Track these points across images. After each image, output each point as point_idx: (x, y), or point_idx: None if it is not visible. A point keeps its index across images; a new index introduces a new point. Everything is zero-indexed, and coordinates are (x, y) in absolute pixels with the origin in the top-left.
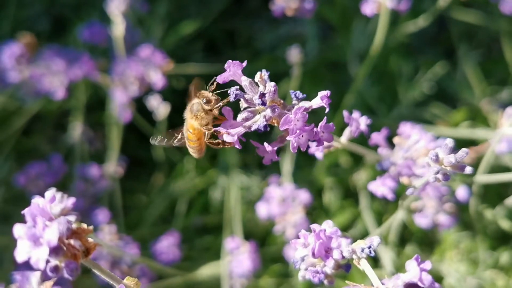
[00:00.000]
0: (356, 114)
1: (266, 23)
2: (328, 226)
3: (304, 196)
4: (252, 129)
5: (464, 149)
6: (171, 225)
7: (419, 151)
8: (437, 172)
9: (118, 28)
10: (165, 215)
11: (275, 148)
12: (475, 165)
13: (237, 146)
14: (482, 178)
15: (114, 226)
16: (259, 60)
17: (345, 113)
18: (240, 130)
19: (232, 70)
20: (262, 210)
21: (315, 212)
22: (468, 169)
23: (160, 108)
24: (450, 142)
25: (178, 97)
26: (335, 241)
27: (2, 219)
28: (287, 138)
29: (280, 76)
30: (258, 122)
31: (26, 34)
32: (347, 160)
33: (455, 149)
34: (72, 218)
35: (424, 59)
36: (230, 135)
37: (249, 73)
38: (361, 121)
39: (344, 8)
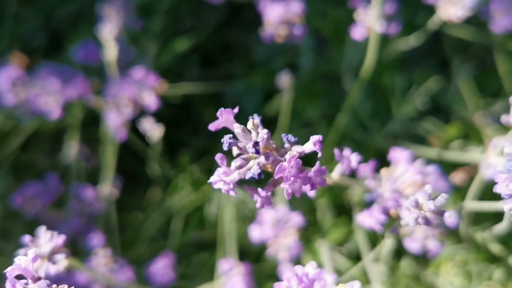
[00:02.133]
0: (347, 152)
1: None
2: (311, 268)
3: (297, 219)
4: (247, 177)
5: (443, 195)
6: (168, 242)
7: (406, 183)
8: (417, 217)
9: (111, 52)
10: (162, 230)
11: (269, 194)
12: (467, 186)
13: (232, 194)
14: (471, 205)
15: (109, 249)
16: (254, 73)
17: (335, 151)
18: (235, 177)
19: (225, 117)
20: (255, 233)
21: (310, 229)
22: (447, 215)
23: (153, 130)
24: (429, 189)
25: (174, 111)
26: (317, 284)
27: (0, 235)
28: (282, 185)
29: (276, 90)
30: (252, 170)
31: (17, 53)
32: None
33: (443, 174)
34: (62, 256)
35: (418, 73)
36: (226, 183)
37: (246, 88)
38: (352, 159)
39: (337, 21)
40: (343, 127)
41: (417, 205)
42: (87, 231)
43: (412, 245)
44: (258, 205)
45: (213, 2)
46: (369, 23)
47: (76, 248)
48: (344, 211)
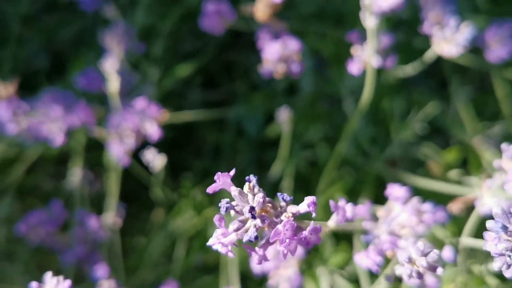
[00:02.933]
0: (342, 202)
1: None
2: None
3: (297, 250)
4: (244, 240)
5: (435, 251)
6: (171, 266)
7: (402, 224)
8: (411, 272)
9: (113, 85)
10: (166, 254)
11: (266, 252)
12: (466, 215)
13: (230, 255)
14: (468, 241)
15: (113, 279)
16: (255, 95)
17: (331, 203)
18: (233, 238)
19: (222, 180)
20: (256, 266)
21: (311, 254)
22: (440, 271)
23: (156, 161)
24: (421, 245)
25: (176, 132)
26: None
27: (5, 258)
28: (278, 248)
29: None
30: (249, 233)
31: (7, 84)
32: None
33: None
34: None
35: (417, 96)
36: (224, 245)
37: (247, 109)
38: (348, 209)
39: (337, 42)
40: (343, 153)
41: (410, 261)
42: (91, 257)
43: (412, 279)
44: (256, 262)
45: (213, 32)
46: (366, 58)
47: (81, 274)
48: (344, 236)
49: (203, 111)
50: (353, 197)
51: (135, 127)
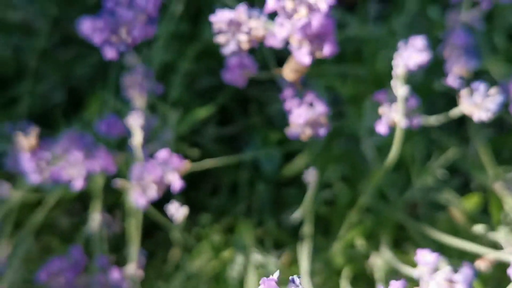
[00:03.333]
0: None
1: (277, 91)
2: None
3: None
4: None
5: None
6: None
7: None
8: None
9: (137, 138)
10: None
11: None
12: (493, 272)
13: None
14: None
15: None
16: (272, 132)
17: None
18: None
19: (267, 284)
20: None
21: None
22: None
23: (178, 214)
24: None
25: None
26: None
27: None
28: None
29: (294, 153)
30: None
31: (27, 136)
32: (363, 244)
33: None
34: None
35: (437, 137)
36: None
37: (262, 141)
38: None
39: (355, 82)
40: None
41: None
42: None
43: None
44: None
45: (236, 84)
46: (393, 118)
47: None
48: (365, 278)
49: (223, 158)
50: (371, 240)
51: (158, 178)
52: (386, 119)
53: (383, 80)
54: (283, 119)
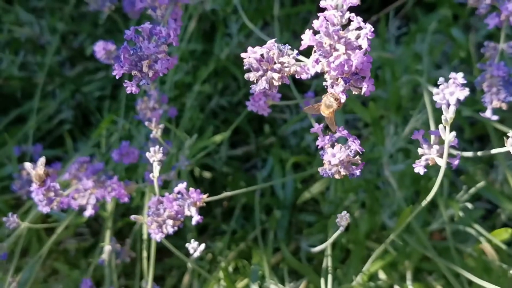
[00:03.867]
0: None
1: (290, 113)
2: None
3: None
4: None
5: None
6: None
7: None
8: None
9: (155, 173)
10: None
11: None
12: None
13: None
14: None
15: None
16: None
17: None
18: None
19: None
20: None
21: None
22: None
23: (196, 251)
24: None
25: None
26: None
27: None
28: None
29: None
30: None
31: (37, 169)
32: (386, 279)
33: None
34: None
35: (464, 164)
36: None
37: (277, 164)
38: None
39: (377, 108)
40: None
41: None
42: None
43: None
44: None
45: (261, 113)
46: (433, 157)
47: None
48: None
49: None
50: (394, 271)
51: (174, 211)
52: (426, 159)
53: (405, 104)
54: (296, 139)
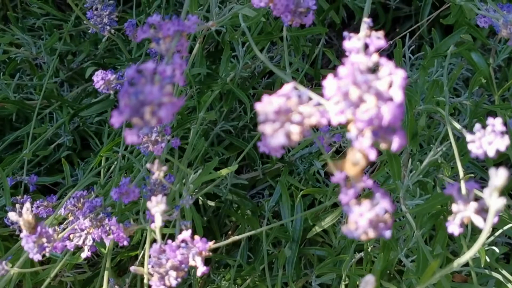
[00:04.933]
0: None
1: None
2: None
3: None
4: None
5: None
6: None
7: None
8: None
9: (157, 223)
10: None
11: None
12: None
13: None
14: None
15: None
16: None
17: None
18: None
19: None
20: None
21: None
22: None
23: None
24: None
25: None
26: None
27: None
28: None
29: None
30: None
31: (24, 216)
32: None
33: None
34: None
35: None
36: None
37: (285, 193)
38: None
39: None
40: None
41: None
42: None
43: None
44: None
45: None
46: (468, 215)
47: None
48: None
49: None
50: None
51: (177, 262)
52: (461, 217)
53: (421, 132)
54: (304, 164)
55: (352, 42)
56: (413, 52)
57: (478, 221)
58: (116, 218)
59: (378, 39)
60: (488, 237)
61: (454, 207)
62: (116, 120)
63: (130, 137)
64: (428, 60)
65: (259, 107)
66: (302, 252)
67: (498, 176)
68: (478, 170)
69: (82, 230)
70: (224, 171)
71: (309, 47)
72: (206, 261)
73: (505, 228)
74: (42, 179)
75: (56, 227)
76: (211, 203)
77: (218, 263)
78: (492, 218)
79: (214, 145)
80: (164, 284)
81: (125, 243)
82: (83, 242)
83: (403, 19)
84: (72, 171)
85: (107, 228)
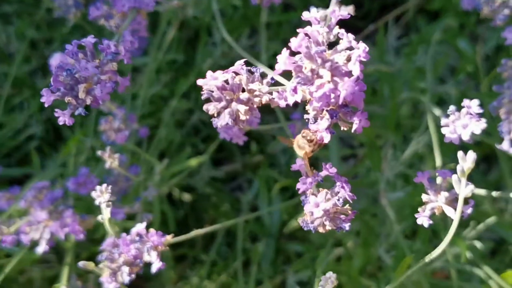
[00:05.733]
0: None
1: (278, 132)
2: None
3: None
4: None
5: None
6: None
7: None
8: None
9: (105, 214)
10: None
11: None
12: None
13: None
14: None
15: None
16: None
17: None
18: None
19: None
20: None
21: None
22: None
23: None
24: None
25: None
26: None
27: None
28: None
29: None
30: None
31: None
32: None
33: None
34: None
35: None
36: None
37: (264, 187)
38: None
39: (374, 127)
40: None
41: None
42: None
43: None
44: None
45: (235, 142)
46: (441, 206)
47: None
48: None
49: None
50: None
51: (131, 257)
52: (431, 208)
53: (404, 123)
54: (286, 157)
55: (311, 13)
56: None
57: (449, 211)
58: (72, 209)
59: (341, 11)
60: (470, 232)
61: (425, 197)
62: (46, 99)
63: (63, 118)
64: (412, 46)
65: (201, 82)
66: (281, 248)
67: (466, 160)
68: None
69: (39, 222)
70: (193, 162)
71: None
72: (182, 257)
73: (487, 221)
74: (9, 170)
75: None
76: (187, 197)
77: (195, 259)
78: (461, 206)
79: (191, 136)
80: (116, 281)
81: (81, 236)
82: (40, 235)
83: (391, 7)
84: (45, 163)
85: (64, 222)
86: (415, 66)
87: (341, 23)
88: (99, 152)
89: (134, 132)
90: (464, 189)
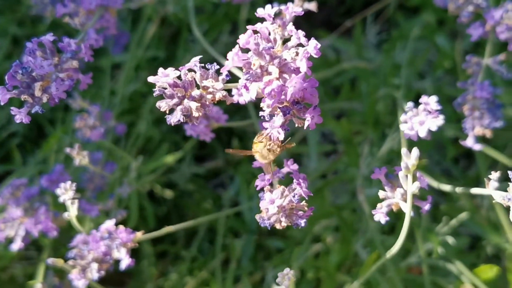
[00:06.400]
0: None
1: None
2: None
3: None
4: None
5: None
6: None
7: None
8: None
9: (72, 212)
10: None
11: None
12: None
13: None
14: None
15: None
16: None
17: None
18: None
19: None
20: None
21: None
22: None
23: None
24: None
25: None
26: None
27: None
28: None
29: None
30: None
31: None
32: None
33: None
34: None
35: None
36: None
37: (245, 183)
38: None
39: (352, 123)
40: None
41: None
42: None
43: None
44: None
45: (203, 139)
46: (397, 202)
47: None
48: None
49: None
50: None
51: (100, 254)
52: (388, 204)
53: (383, 119)
54: None
55: (265, 9)
56: (382, 36)
57: (405, 207)
58: (47, 206)
59: (295, 7)
60: (442, 227)
61: (381, 194)
62: (1, 97)
63: (19, 116)
64: (391, 42)
65: (152, 79)
66: (261, 244)
67: (410, 157)
68: (442, 157)
69: (14, 219)
70: (170, 159)
71: None
72: (164, 254)
73: (459, 216)
74: None
75: None
76: (169, 193)
77: (176, 255)
78: (410, 202)
79: (171, 133)
80: (85, 277)
81: (54, 233)
82: (16, 232)
83: (375, 3)
84: (26, 159)
85: (41, 218)
86: (393, 62)
87: (322, 20)
88: (67, 150)
89: (111, 129)
90: (411, 185)
